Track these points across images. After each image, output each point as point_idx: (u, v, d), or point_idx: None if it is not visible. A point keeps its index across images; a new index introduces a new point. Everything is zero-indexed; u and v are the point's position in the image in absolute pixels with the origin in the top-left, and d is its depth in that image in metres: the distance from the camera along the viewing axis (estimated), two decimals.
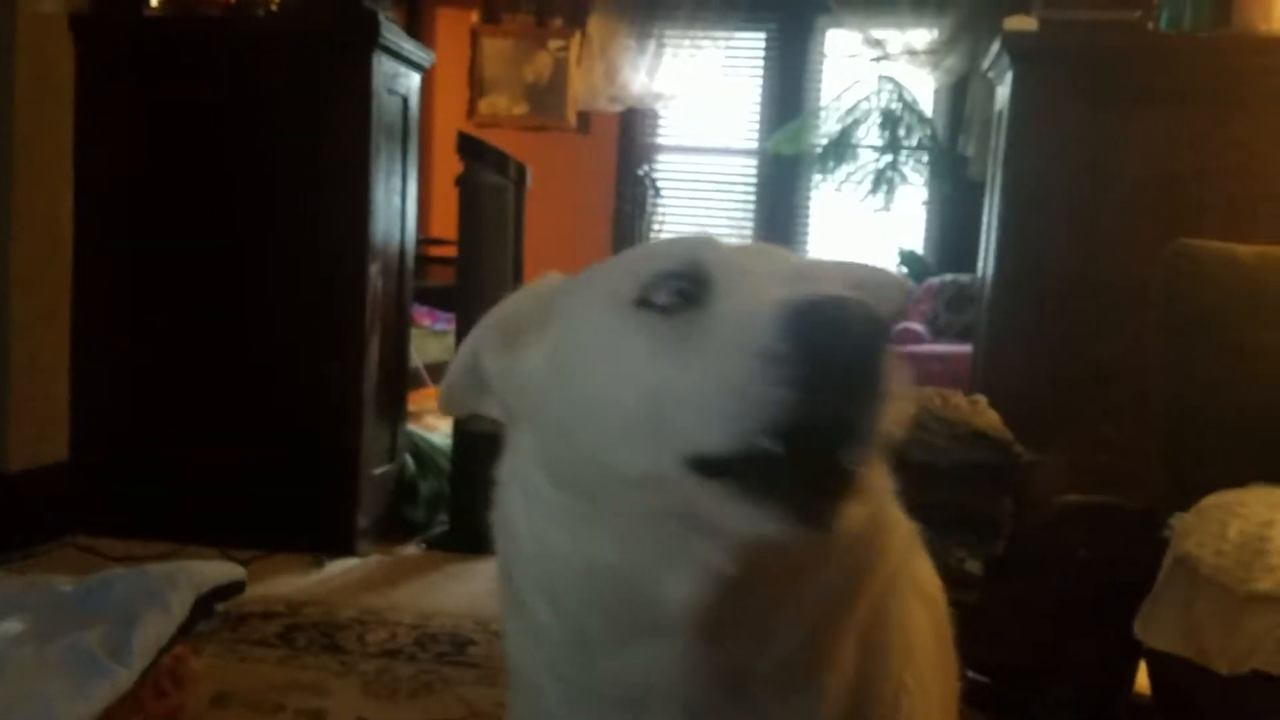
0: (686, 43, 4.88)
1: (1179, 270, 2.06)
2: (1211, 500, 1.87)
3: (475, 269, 3.20)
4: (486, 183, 3.22)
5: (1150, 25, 2.55)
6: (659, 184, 5.00)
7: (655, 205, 4.96)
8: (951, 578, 2.23)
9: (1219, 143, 2.46)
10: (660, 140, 5.11)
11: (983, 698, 2.11)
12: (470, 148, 3.26)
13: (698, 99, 5.07)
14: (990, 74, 2.97)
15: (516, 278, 3.31)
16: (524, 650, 0.75)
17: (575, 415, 0.67)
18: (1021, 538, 2.23)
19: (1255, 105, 2.45)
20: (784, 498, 0.58)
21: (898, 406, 0.59)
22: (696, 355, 0.61)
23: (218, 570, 1.89)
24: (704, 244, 0.69)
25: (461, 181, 3.18)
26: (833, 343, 0.57)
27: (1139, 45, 2.52)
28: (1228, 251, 2.07)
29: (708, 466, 0.59)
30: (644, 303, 0.65)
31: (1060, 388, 2.55)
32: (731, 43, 5.06)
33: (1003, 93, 2.72)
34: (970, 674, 2.20)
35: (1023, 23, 2.56)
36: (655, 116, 5.08)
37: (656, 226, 4.95)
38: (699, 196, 5.18)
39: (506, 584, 0.74)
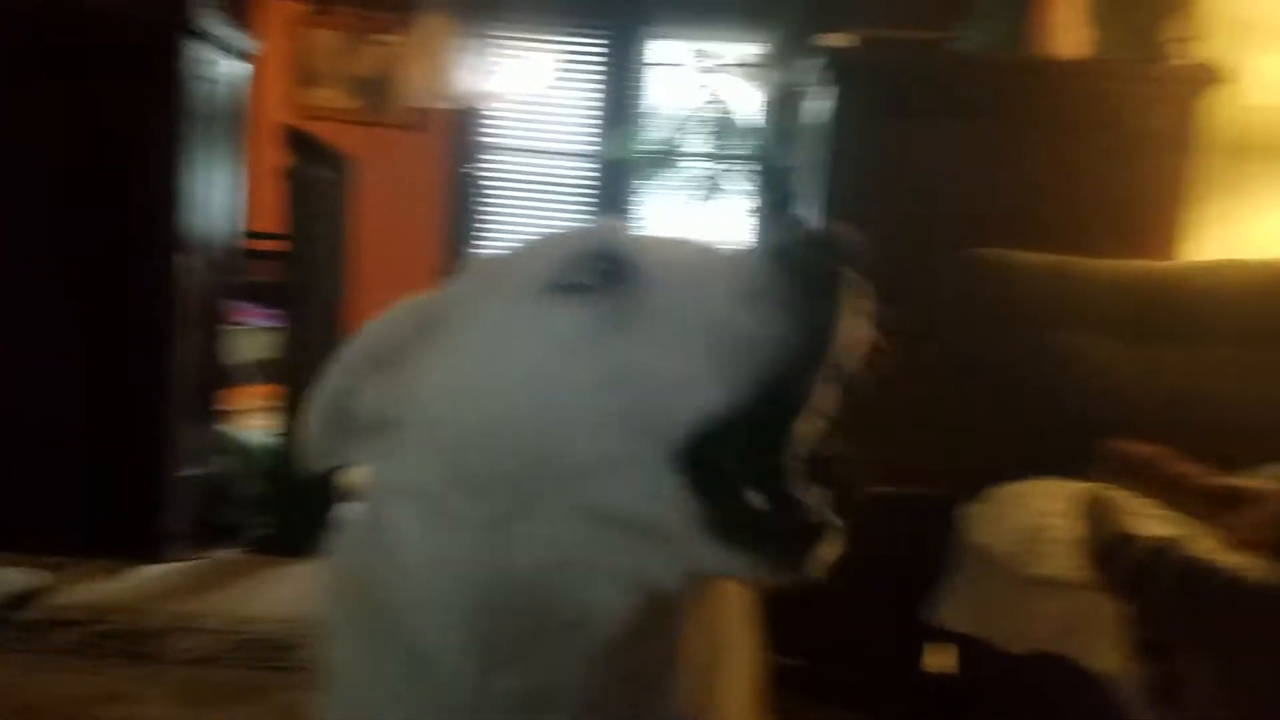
0: (520, 44, 4.88)
1: (970, 276, 2.21)
2: (1002, 491, 2.01)
3: (302, 265, 3.12)
4: (314, 177, 3.15)
5: (960, 45, 2.70)
6: (492, 184, 4.97)
7: (487, 205, 4.94)
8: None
9: (1013, 156, 2.62)
10: (493, 140, 5.08)
11: (796, 680, 2.20)
12: (297, 141, 3.18)
13: (531, 100, 5.07)
14: (810, 89, 3.09)
15: (344, 274, 3.25)
16: (368, 671, 0.72)
17: (503, 414, 0.64)
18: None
19: (1047, 121, 2.62)
20: (774, 554, 0.59)
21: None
22: (661, 326, 0.60)
23: (16, 578, 1.79)
24: (610, 228, 0.69)
25: (288, 175, 3.10)
26: (823, 262, 0.59)
27: (946, 65, 2.67)
28: (1016, 258, 2.23)
29: (688, 457, 0.59)
30: (563, 287, 0.64)
31: (874, 386, 2.68)
32: (566, 46, 5.08)
33: (824, 106, 2.83)
34: (784, 658, 2.31)
35: (842, 40, 2.68)
36: (488, 116, 5.05)
37: (488, 226, 4.92)
38: (532, 198, 5.18)
39: (363, 604, 0.71)
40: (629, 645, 0.65)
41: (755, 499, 0.60)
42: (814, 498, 0.62)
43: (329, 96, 4.98)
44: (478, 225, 4.94)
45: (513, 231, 5.05)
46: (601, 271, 0.64)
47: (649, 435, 0.60)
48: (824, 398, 0.61)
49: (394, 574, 0.68)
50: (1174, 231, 2.64)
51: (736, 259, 0.61)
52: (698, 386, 0.58)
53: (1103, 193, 2.62)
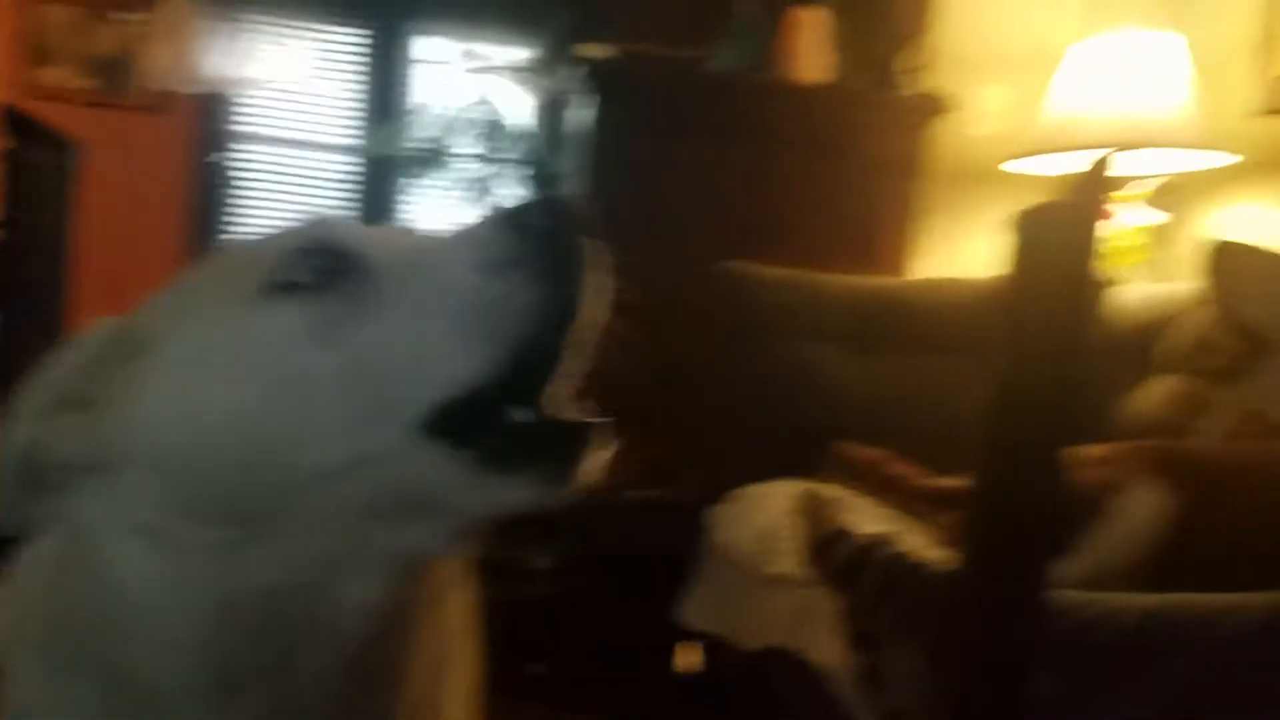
0: (275, 31, 4.66)
1: (725, 288, 2.30)
2: (743, 493, 2.09)
3: (20, 257, 2.86)
4: (35, 161, 2.90)
5: (713, 65, 2.80)
6: (242, 175, 4.72)
7: (236, 197, 4.69)
8: (520, 574, 2.32)
9: (759, 175, 2.74)
10: (245, 129, 4.82)
11: (541, 687, 2.21)
12: (17, 122, 2.91)
13: (289, 90, 4.85)
14: (574, 96, 3.12)
15: (69, 268, 3.00)
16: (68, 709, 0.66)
17: (235, 431, 0.60)
18: (587, 532, 2.36)
19: (790, 142, 2.75)
20: (542, 468, 0.59)
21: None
22: (396, 310, 0.59)
23: None
24: (324, 222, 0.66)
25: (5, 159, 2.83)
26: (557, 224, 0.59)
27: (697, 83, 2.75)
28: (759, 273, 2.34)
29: (443, 427, 0.58)
30: (282, 286, 0.61)
31: (630, 388, 2.72)
32: (326, 37, 4.89)
33: (583, 115, 2.87)
34: (530, 664, 2.32)
35: (598, 51, 2.71)
36: (239, 103, 4.79)
37: (237, 219, 4.68)
38: (286, 190, 4.96)
39: (70, 649, 0.65)
40: (373, 649, 0.64)
41: (520, 415, 0.60)
42: (576, 410, 0.62)
43: (61, 76, 4.59)
44: (224, 217, 4.68)
45: (265, 225, 4.81)
46: (320, 267, 0.62)
47: (397, 420, 0.58)
48: (573, 361, 0.62)
49: (115, 614, 0.63)
50: (902, 250, 2.84)
51: (468, 231, 0.61)
52: (441, 361, 0.58)
53: (840, 212, 2.78)
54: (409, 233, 0.70)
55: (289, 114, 4.88)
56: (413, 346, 0.59)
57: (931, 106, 2.82)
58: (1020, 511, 0.68)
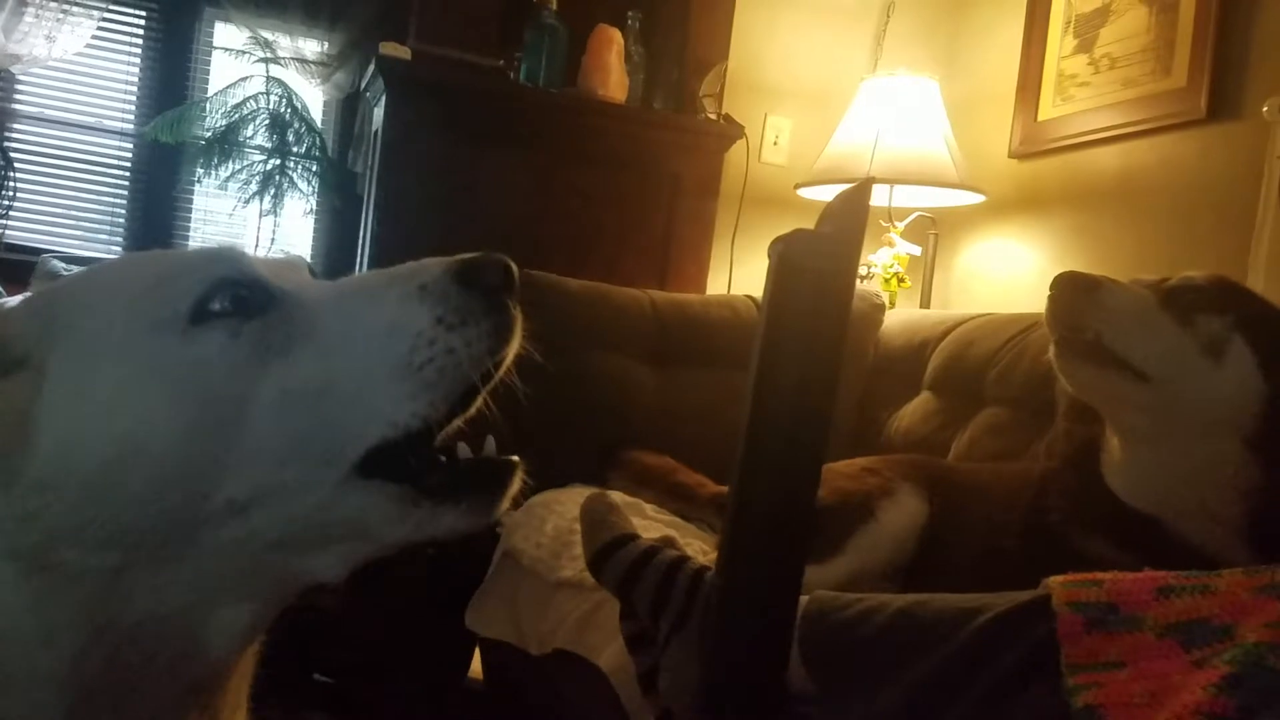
0: (53, 5, 4.35)
1: (522, 296, 2.32)
2: (537, 499, 2.12)
3: None
4: None
5: (511, 75, 2.82)
6: (16, 156, 4.38)
7: (9, 178, 4.34)
8: (314, 583, 2.26)
9: (560, 187, 2.80)
10: (18, 108, 4.48)
11: (324, 698, 2.17)
12: None
13: (66, 69, 4.54)
14: (368, 94, 3.07)
15: None
16: None
17: (148, 455, 0.58)
18: None
19: (590, 157, 2.82)
20: (472, 501, 0.61)
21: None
22: (338, 352, 0.59)
23: None
24: (234, 253, 0.65)
25: None
26: (507, 281, 0.62)
27: (499, 91, 2.76)
28: (560, 283, 2.38)
29: (374, 464, 0.58)
30: (203, 316, 0.60)
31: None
32: (108, 15, 4.61)
33: (378, 114, 2.83)
34: (317, 677, 2.27)
35: (397, 50, 2.68)
36: (12, 82, 4.45)
37: (7, 200, 4.33)
38: (63, 174, 4.63)
39: None
40: (226, 672, 0.65)
41: (458, 451, 0.63)
42: (489, 446, 0.66)
43: None
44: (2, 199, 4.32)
45: (37, 208, 4.49)
46: (239, 298, 0.61)
47: (332, 457, 0.59)
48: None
49: None
50: (701, 267, 2.96)
51: (416, 277, 0.62)
52: (385, 405, 0.59)
53: (639, 229, 2.87)
54: (305, 265, 0.70)
55: (67, 95, 4.57)
56: (356, 387, 0.59)
57: (729, 132, 2.94)
58: (772, 518, 0.75)
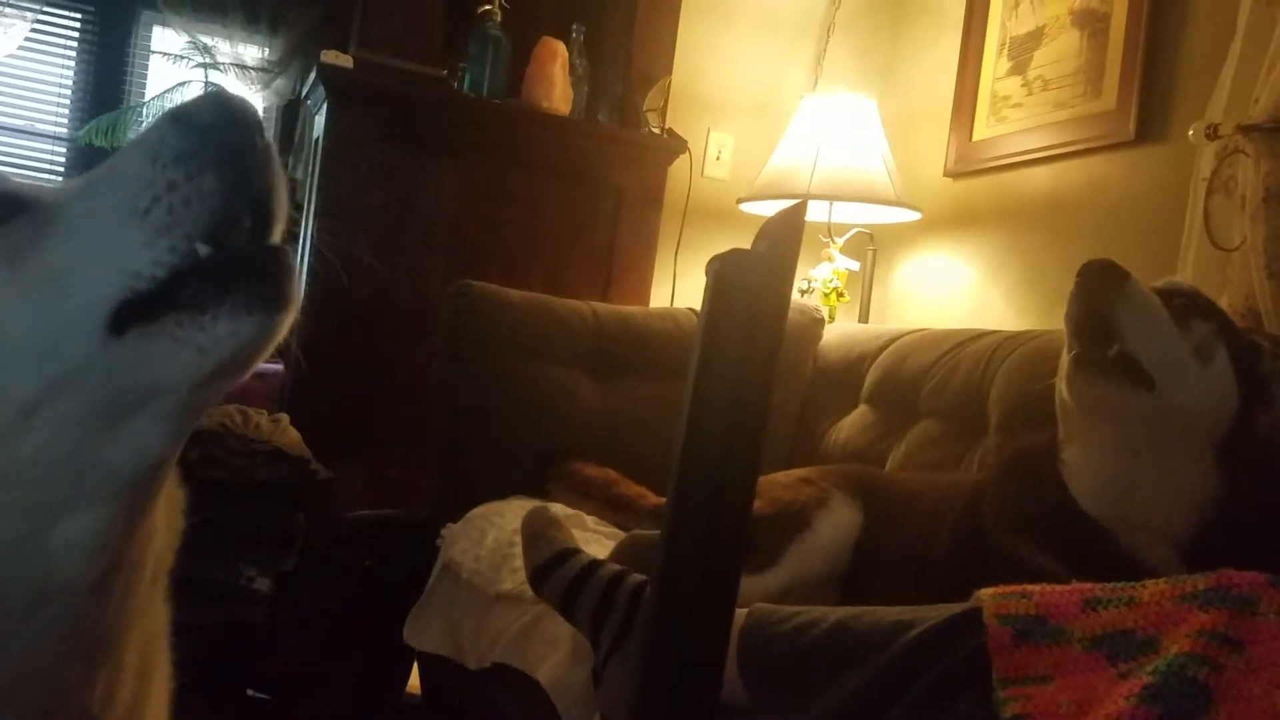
0: None
1: (459, 307, 2.31)
2: (477, 511, 2.11)
3: None
4: None
5: (455, 84, 2.82)
6: None
7: None
8: (239, 596, 2.23)
9: (503, 197, 2.79)
10: None
11: (258, 713, 2.13)
12: None
13: None
14: (309, 101, 3.04)
15: None
16: None
17: None
18: (314, 552, 2.30)
19: (533, 168, 2.82)
20: (244, 292, 0.56)
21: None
22: (72, 227, 0.57)
23: None
24: None
25: None
26: (229, 117, 0.57)
27: (442, 100, 2.75)
28: (501, 293, 2.37)
29: (140, 316, 0.55)
30: None
31: (361, 407, 2.67)
32: (42, 17, 4.52)
33: (320, 122, 2.80)
34: (250, 691, 2.23)
35: (339, 58, 2.66)
36: None
37: None
38: None
39: None
40: (93, 614, 0.61)
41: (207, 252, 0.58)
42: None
43: None
44: None
45: None
46: None
47: (83, 327, 0.56)
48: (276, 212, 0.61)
49: None
50: (644, 279, 2.97)
51: (140, 135, 0.60)
52: (118, 259, 0.56)
53: (584, 240, 2.88)
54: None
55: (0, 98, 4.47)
56: (87, 253, 0.57)
57: (672, 145, 2.97)
58: (707, 530, 0.76)
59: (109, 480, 0.59)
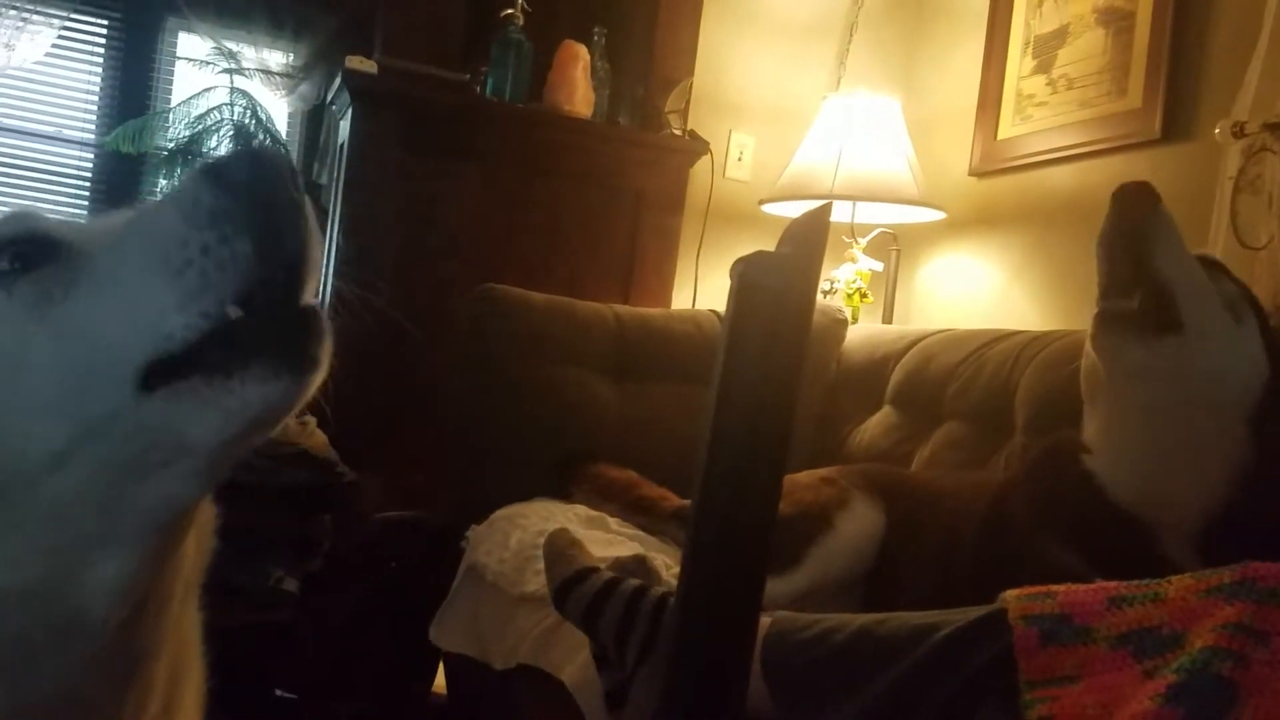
0: (12, 13, 4.31)
1: (481, 310, 2.32)
2: (500, 513, 2.12)
3: None
4: None
5: (477, 89, 2.83)
6: None
7: None
8: (266, 598, 2.25)
9: (524, 201, 2.80)
10: None
11: (286, 714, 2.15)
12: None
13: (25, 78, 4.49)
14: (334, 107, 3.06)
15: None
16: None
17: None
18: (339, 554, 2.32)
19: (555, 172, 2.83)
20: (272, 356, 0.56)
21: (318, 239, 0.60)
22: (104, 280, 0.57)
23: None
24: (22, 213, 0.64)
25: None
26: (263, 173, 0.57)
27: (465, 105, 2.76)
28: (522, 296, 2.38)
29: (168, 375, 0.56)
30: None
31: (385, 410, 2.69)
32: (69, 23, 4.57)
33: (344, 127, 2.82)
34: (278, 692, 2.25)
35: (363, 64, 2.67)
36: None
37: None
38: (20, 184, 4.58)
39: None
40: (124, 641, 0.62)
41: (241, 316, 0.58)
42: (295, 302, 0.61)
43: None
44: None
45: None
46: (21, 255, 0.60)
47: (113, 382, 0.56)
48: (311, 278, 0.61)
49: None
50: (665, 282, 2.97)
51: (174, 191, 0.60)
52: (151, 317, 0.56)
53: (606, 244, 2.88)
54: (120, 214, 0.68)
55: (25, 102, 4.52)
56: (119, 310, 0.57)
57: (694, 148, 2.97)
58: (732, 536, 0.76)
59: (138, 525, 0.60)
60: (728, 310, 0.79)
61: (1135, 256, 1.22)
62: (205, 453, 0.59)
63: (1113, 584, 0.90)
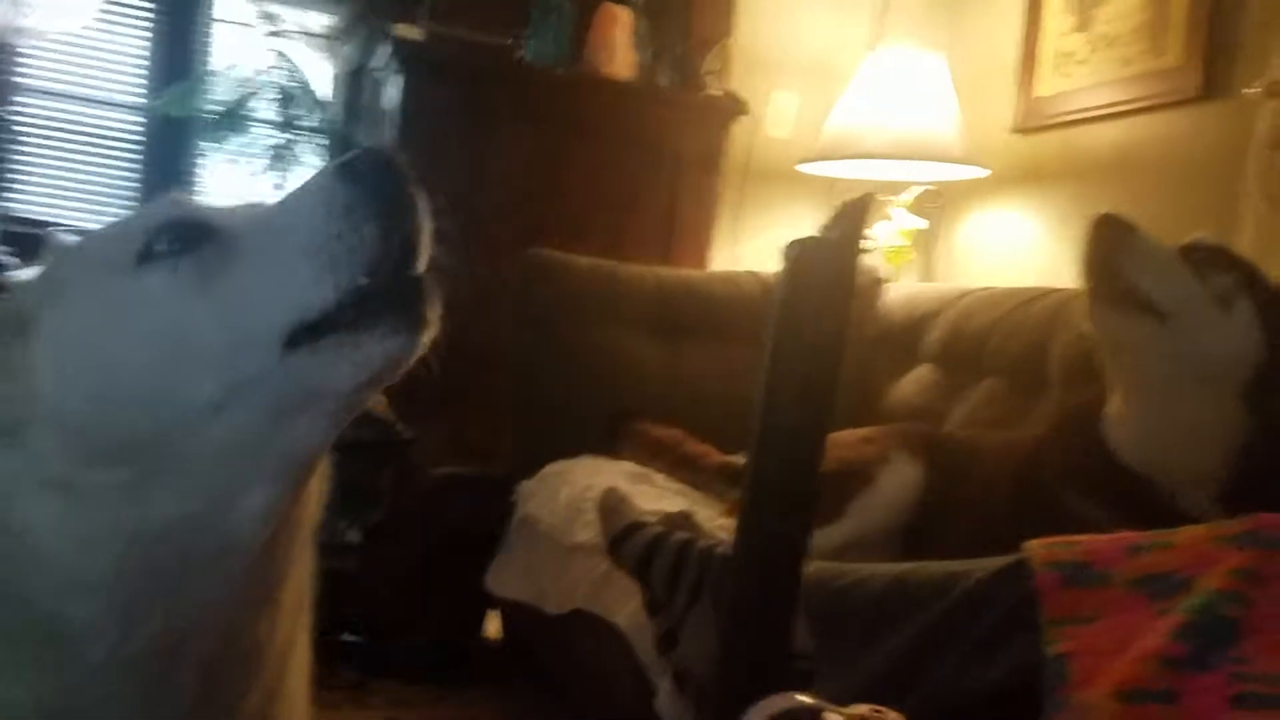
0: None
1: (528, 275, 2.40)
2: (550, 469, 2.21)
3: None
4: None
5: (519, 54, 2.87)
6: (23, 130, 4.44)
7: (16, 151, 4.40)
8: (333, 547, 2.37)
9: (567, 164, 2.85)
10: (29, 81, 4.52)
11: (352, 655, 2.27)
12: None
13: (72, 42, 4.58)
14: (380, 72, 3.12)
15: None
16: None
17: (126, 381, 0.68)
18: (399, 507, 2.43)
19: (596, 135, 2.87)
20: (392, 317, 0.67)
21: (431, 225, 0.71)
22: (253, 261, 0.68)
23: None
24: (178, 201, 0.76)
25: None
26: (388, 172, 0.69)
27: (508, 70, 2.81)
28: (568, 260, 2.45)
29: (308, 335, 0.66)
30: (149, 256, 0.70)
31: (442, 370, 2.77)
32: None
33: (391, 92, 2.88)
34: (346, 635, 2.37)
35: (411, 31, 2.73)
36: (19, 54, 4.49)
37: (17, 174, 4.39)
38: (74, 148, 4.69)
39: None
40: (264, 561, 0.72)
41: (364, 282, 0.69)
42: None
43: None
44: (4, 173, 4.38)
45: (48, 182, 4.54)
46: (179, 237, 0.71)
47: (262, 344, 0.67)
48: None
49: (26, 562, 0.70)
50: (704, 243, 3.01)
51: (309, 184, 0.71)
52: (294, 291, 0.67)
53: (645, 205, 2.93)
54: (261, 203, 0.80)
55: (74, 67, 4.61)
56: (268, 284, 0.68)
57: (732, 107, 2.99)
58: (781, 494, 0.84)
59: (279, 463, 0.71)
60: (779, 288, 0.87)
61: (1113, 280, 1.34)
62: (337, 399, 0.70)
63: (1132, 534, 0.97)
